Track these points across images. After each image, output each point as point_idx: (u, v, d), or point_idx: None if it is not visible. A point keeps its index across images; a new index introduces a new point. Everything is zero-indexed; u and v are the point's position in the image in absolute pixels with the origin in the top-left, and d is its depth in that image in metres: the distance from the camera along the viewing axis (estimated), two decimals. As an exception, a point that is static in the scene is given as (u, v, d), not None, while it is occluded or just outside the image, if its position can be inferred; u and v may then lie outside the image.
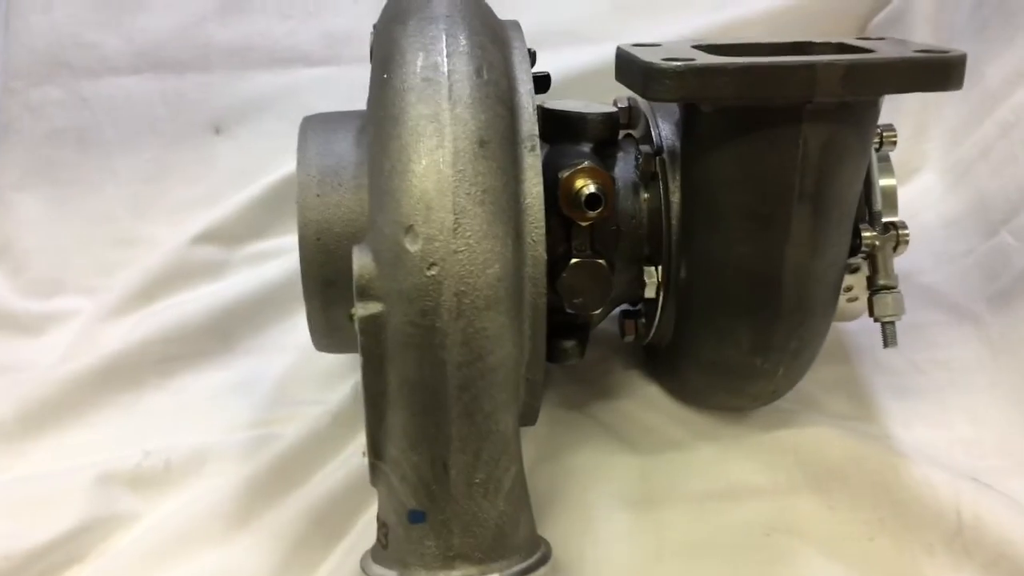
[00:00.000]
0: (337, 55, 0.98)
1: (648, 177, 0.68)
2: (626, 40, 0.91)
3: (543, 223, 0.59)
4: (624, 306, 0.76)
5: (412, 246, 0.54)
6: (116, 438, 0.78)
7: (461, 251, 0.55)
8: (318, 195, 0.64)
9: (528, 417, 0.66)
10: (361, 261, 0.57)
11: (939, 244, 0.88)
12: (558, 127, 0.70)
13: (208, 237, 0.92)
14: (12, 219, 0.95)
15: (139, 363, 0.84)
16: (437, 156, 0.55)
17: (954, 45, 0.93)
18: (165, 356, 0.85)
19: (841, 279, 0.65)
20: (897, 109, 0.95)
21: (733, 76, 0.53)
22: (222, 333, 0.87)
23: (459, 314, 0.55)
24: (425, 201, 0.54)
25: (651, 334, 0.72)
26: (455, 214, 0.54)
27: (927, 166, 0.94)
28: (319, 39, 0.97)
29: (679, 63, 0.54)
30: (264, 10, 0.98)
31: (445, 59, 0.57)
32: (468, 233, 0.55)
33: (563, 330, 0.72)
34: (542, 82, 0.68)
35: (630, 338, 0.74)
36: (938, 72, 0.55)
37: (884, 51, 0.56)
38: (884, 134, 0.67)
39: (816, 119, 0.56)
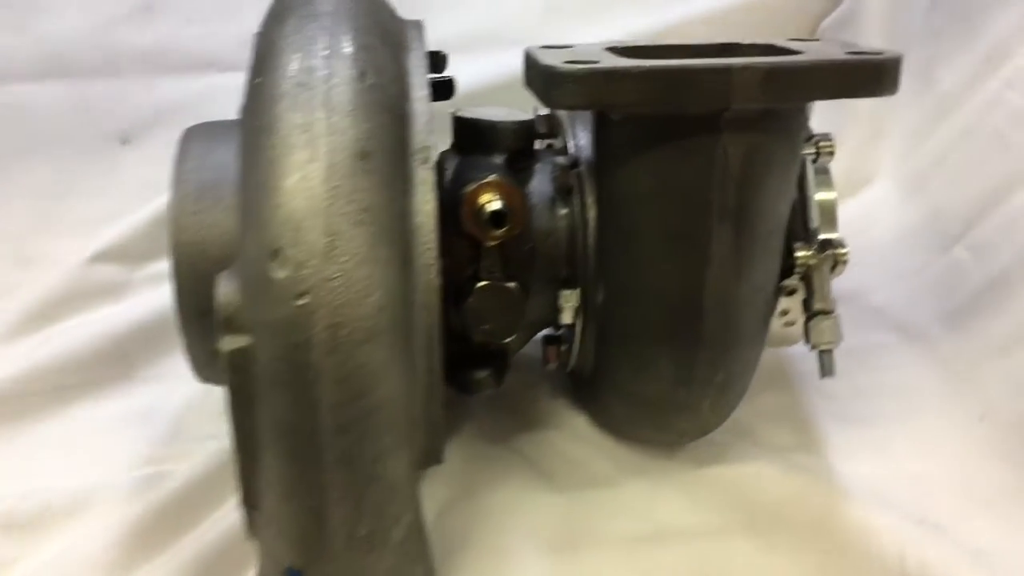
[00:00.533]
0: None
1: (565, 192, 0.62)
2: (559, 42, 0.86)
3: (435, 244, 0.53)
4: (548, 330, 0.70)
5: (279, 273, 0.48)
6: (-2, 475, 0.72)
7: (335, 278, 0.48)
8: (194, 213, 0.58)
9: (432, 457, 0.60)
10: (226, 289, 0.51)
11: (891, 260, 0.83)
12: (469, 137, 0.64)
13: (109, 255, 0.86)
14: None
15: (30, 392, 0.77)
16: (309, 170, 0.49)
17: (908, 47, 0.89)
18: (58, 385, 0.78)
19: (772, 304, 0.60)
20: (848, 114, 0.90)
21: (640, 81, 0.48)
22: (120, 360, 0.80)
23: (334, 349, 0.49)
24: (294, 222, 0.48)
25: (572, 362, 0.66)
26: (328, 236, 0.48)
27: (880, 175, 0.89)
28: (234, 43, 0.90)
29: (581, 67, 0.48)
30: (177, 13, 0.92)
31: (323, 61, 0.51)
32: (343, 257, 0.49)
33: (475, 358, 0.66)
34: (445, 87, 0.62)
35: (552, 366, 0.68)
36: (869, 76, 0.49)
37: (812, 53, 0.51)
38: (820, 144, 0.61)
39: (736, 128, 0.50)
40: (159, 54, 0.92)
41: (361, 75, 0.51)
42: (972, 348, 0.74)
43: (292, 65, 0.51)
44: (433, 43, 0.93)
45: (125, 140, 0.91)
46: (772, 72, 0.47)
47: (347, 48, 0.52)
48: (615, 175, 0.55)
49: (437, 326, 0.54)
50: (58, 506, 0.68)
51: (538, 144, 0.68)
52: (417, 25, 0.61)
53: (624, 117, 0.52)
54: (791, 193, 0.56)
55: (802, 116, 0.53)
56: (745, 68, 0.47)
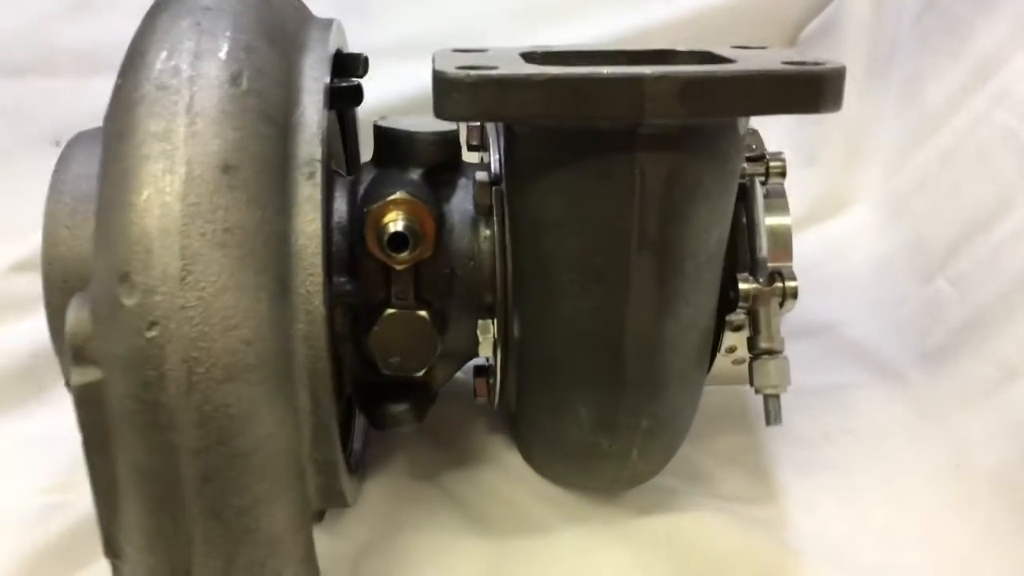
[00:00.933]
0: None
1: (486, 211, 0.56)
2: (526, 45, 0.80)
3: (319, 268, 0.47)
4: (481, 359, 0.64)
5: (128, 299, 0.43)
6: None
7: (191, 307, 0.43)
8: (68, 227, 0.53)
9: (333, 500, 0.54)
10: (77, 315, 0.45)
11: (869, 290, 0.77)
12: (387, 148, 0.58)
13: (30, 265, 0.81)
14: None
15: (-67, 411, 0.73)
16: (164, 184, 0.43)
17: (893, 58, 0.82)
18: (-35, 403, 0.74)
19: (709, 340, 0.53)
20: (825, 129, 0.83)
21: (538, 90, 0.41)
22: (33, 378, 0.75)
23: (190, 387, 0.43)
24: (145, 243, 0.43)
25: (496, 398, 0.59)
26: (183, 259, 0.43)
27: (860, 197, 0.82)
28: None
29: (471, 73, 0.42)
30: (115, 9, 0.87)
31: (191, 61, 0.45)
32: (201, 284, 0.43)
33: (393, 390, 0.60)
34: (351, 94, 0.56)
35: (482, 400, 0.62)
36: (805, 90, 0.43)
37: (743, 63, 0.44)
38: (771, 164, 0.55)
39: (654, 146, 0.44)
40: (96, 54, 0.86)
41: (234, 78, 0.45)
42: (950, 391, 0.68)
43: (156, 65, 0.45)
44: (378, 50, 0.88)
45: (59, 142, 0.86)
46: (691, 83, 0.41)
47: (222, 47, 0.46)
48: (523, 196, 0.49)
49: (324, 360, 0.48)
50: (-52, 536, 0.63)
51: (475, 156, 0.63)
52: (326, 25, 0.55)
53: (528, 131, 0.46)
54: (725, 220, 0.49)
55: (734, 133, 0.46)
56: (660, 78, 0.41)
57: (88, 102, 0.86)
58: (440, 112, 0.43)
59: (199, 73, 0.45)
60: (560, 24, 0.88)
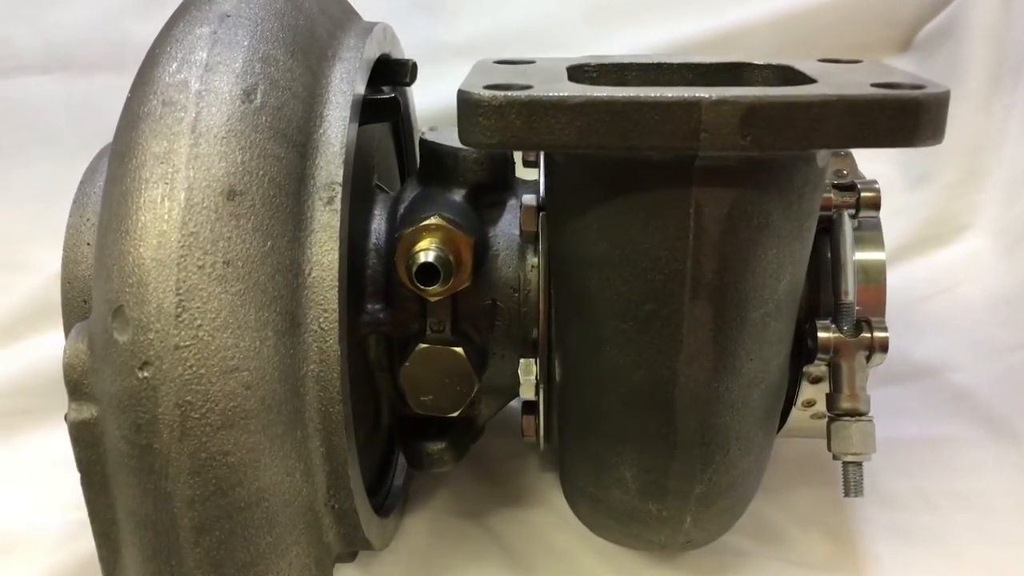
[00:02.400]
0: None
1: (532, 239, 0.50)
2: (599, 51, 0.74)
3: (335, 304, 0.42)
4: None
5: (121, 335, 0.39)
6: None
7: (186, 346, 0.39)
8: (89, 244, 0.50)
9: (357, 544, 0.50)
10: (75, 347, 0.42)
11: (981, 331, 0.68)
12: (431, 165, 0.54)
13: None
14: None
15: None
16: (161, 211, 0.39)
17: (1022, 68, 0.72)
18: (10, 410, 0.74)
19: (779, 397, 0.47)
20: (939, 147, 0.73)
21: (576, 116, 0.36)
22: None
23: (184, 433, 0.40)
24: (139, 275, 0.39)
25: (542, 442, 0.54)
26: (178, 295, 0.39)
27: (977, 224, 0.73)
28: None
29: (499, 94, 0.36)
30: (187, 4, 0.85)
31: (200, 75, 0.41)
32: (198, 321, 0.39)
33: (430, 426, 0.56)
34: (386, 107, 0.51)
35: (530, 439, 0.57)
36: (897, 120, 0.35)
37: (823, 85, 0.37)
38: (863, 193, 0.47)
39: (712, 181, 0.37)
40: (166, 50, 0.85)
41: (247, 93, 0.41)
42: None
43: (164, 78, 0.41)
44: (460, 47, 0.83)
45: (125, 141, 0.85)
46: (755, 109, 0.34)
47: (237, 59, 0.42)
48: (563, 230, 0.43)
49: (338, 403, 0.43)
50: (-17, 548, 0.63)
51: (534, 173, 0.57)
52: (366, 30, 0.50)
53: (569, 159, 0.40)
54: (799, 263, 0.42)
55: (810, 166, 0.39)
56: (719, 103, 0.34)
57: None
58: (464, 138, 0.38)
59: (208, 88, 0.41)
60: (640, 25, 0.82)
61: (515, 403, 0.61)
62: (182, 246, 0.39)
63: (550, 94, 0.36)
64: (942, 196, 0.74)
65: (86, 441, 0.42)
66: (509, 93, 0.36)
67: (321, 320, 0.43)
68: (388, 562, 0.60)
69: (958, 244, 0.73)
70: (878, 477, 0.61)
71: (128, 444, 0.40)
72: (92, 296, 0.42)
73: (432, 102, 0.71)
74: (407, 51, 0.60)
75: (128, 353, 0.39)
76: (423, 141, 0.54)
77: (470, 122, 0.37)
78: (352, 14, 0.54)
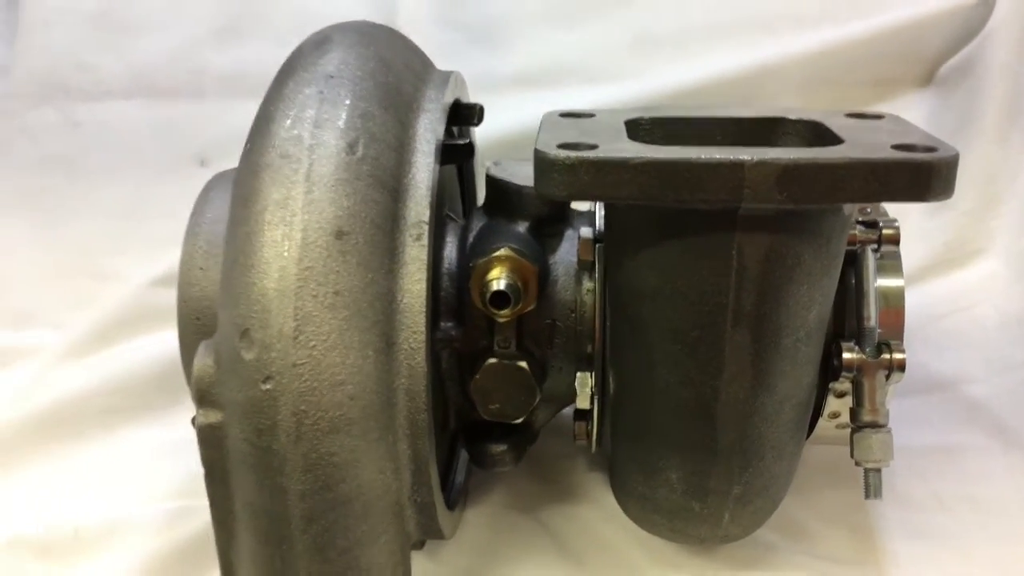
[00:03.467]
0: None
1: (588, 266, 0.57)
2: (642, 82, 0.80)
3: (422, 327, 0.49)
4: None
5: (247, 353, 0.46)
6: (41, 495, 0.74)
7: (302, 363, 0.46)
8: (202, 269, 0.58)
9: (431, 534, 0.57)
10: (203, 362, 0.49)
11: (995, 347, 0.73)
12: (497, 198, 0.60)
13: (172, 279, 0.86)
14: (-2, 245, 0.93)
15: (81, 413, 0.80)
16: (282, 249, 0.46)
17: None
18: (109, 408, 0.80)
19: (807, 411, 0.53)
20: (961, 177, 0.79)
21: (636, 173, 0.42)
22: (169, 387, 0.81)
23: (299, 437, 0.47)
24: (263, 303, 0.46)
25: (593, 446, 0.61)
26: (296, 320, 0.46)
27: (992, 248, 0.78)
28: (314, 68, 0.90)
29: (571, 154, 0.43)
30: (261, 37, 0.92)
31: (311, 131, 0.48)
32: (312, 342, 0.46)
33: (493, 430, 0.62)
34: (462, 151, 0.58)
35: (581, 443, 0.63)
36: (913, 179, 0.41)
37: (847, 146, 0.43)
38: (884, 231, 0.54)
39: (753, 227, 0.44)
40: (240, 78, 0.92)
41: (350, 146, 0.48)
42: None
43: (280, 133, 0.48)
44: (513, 76, 0.90)
45: (203, 162, 0.93)
46: (790, 170, 0.41)
47: (341, 116, 0.49)
48: (621, 265, 0.49)
49: (423, 412, 0.50)
50: (87, 535, 0.69)
51: (586, 205, 0.64)
52: (443, 80, 0.57)
53: (629, 207, 0.47)
54: (827, 297, 0.49)
55: (837, 216, 0.45)
56: (759, 164, 0.41)
57: (232, 124, 0.91)
58: (541, 189, 0.45)
59: (319, 142, 0.48)
60: (680, 58, 0.87)
61: (567, 410, 0.68)
62: (299, 279, 0.46)
63: (614, 155, 0.43)
64: (960, 222, 0.80)
65: (211, 442, 0.49)
66: (580, 154, 0.43)
67: (411, 340, 0.49)
68: (452, 552, 0.66)
69: (974, 267, 0.78)
70: (897, 481, 0.67)
71: (250, 445, 0.47)
72: (218, 317, 0.48)
73: (489, 130, 0.77)
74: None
75: (253, 368, 0.46)
76: (489, 177, 0.60)
77: (546, 177, 0.44)
78: (429, 65, 0.60)
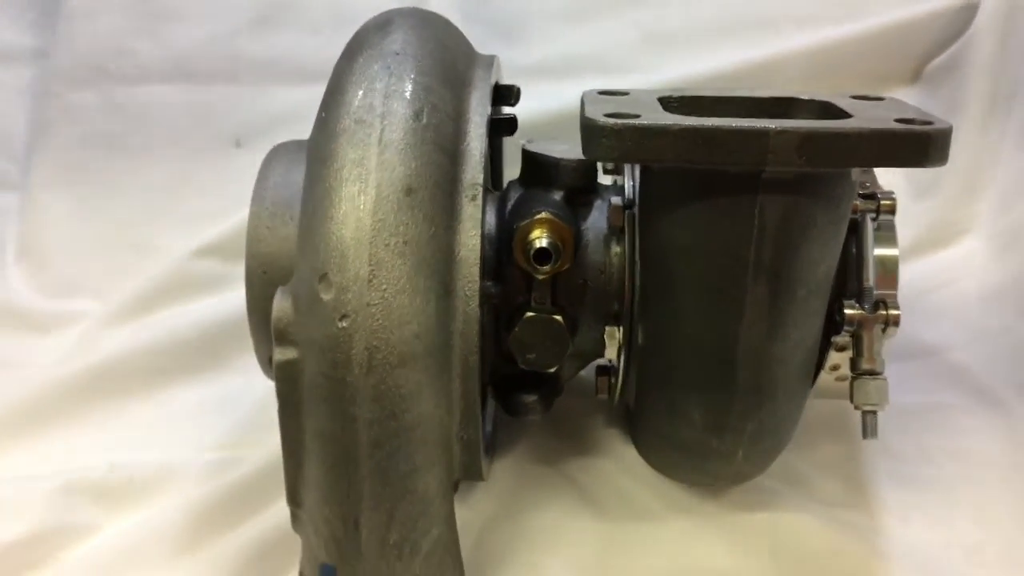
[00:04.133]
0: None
1: (618, 231, 0.63)
2: (654, 75, 0.86)
3: (476, 277, 0.55)
4: (602, 360, 0.72)
5: (325, 295, 0.52)
6: (92, 445, 0.79)
7: (375, 304, 0.52)
8: (268, 228, 0.63)
9: (471, 475, 0.62)
10: (281, 304, 0.55)
11: (975, 318, 0.81)
12: (533, 171, 0.66)
13: (211, 250, 0.93)
14: (40, 218, 0.98)
15: (129, 373, 0.85)
16: (358, 203, 0.52)
17: (1014, 98, 0.85)
18: (155, 368, 0.86)
19: (813, 358, 0.59)
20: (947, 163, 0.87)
21: (675, 138, 0.48)
22: (212, 349, 0.87)
23: (370, 369, 0.52)
24: (341, 249, 0.52)
25: (617, 396, 0.67)
26: (371, 265, 0.52)
27: (973, 230, 0.86)
28: (345, 57, 0.96)
29: (617, 121, 0.49)
30: (295, 25, 0.98)
31: (382, 100, 0.54)
32: (384, 286, 0.52)
33: (525, 382, 0.68)
34: (507, 125, 0.64)
35: (602, 397, 0.70)
36: (913, 147, 0.48)
37: (857, 119, 0.50)
38: (883, 202, 0.60)
39: (774, 189, 0.50)
40: (275, 64, 0.98)
41: (416, 114, 0.54)
42: (1046, 419, 0.71)
43: (354, 102, 0.54)
44: (533, 68, 0.96)
45: (238, 143, 0.98)
46: (809, 137, 0.47)
47: (407, 88, 0.55)
48: (655, 224, 0.56)
49: (475, 354, 0.56)
50: (140, 480, 0.75)
51: (608, 179, 0.70)
52: (488, 63, 0.64)
53: (664, 170, 0.53)
54: (834, 254, 0.55)
55: (847, 180, 0.52)
56: (782, 132, 0.47)
57: (266, 108, 0.99)
58: (588, 153, 0.51)
59: (389, 110, 0.54)
60: (689, 52, 0.94)
61: (584, 376, 0.74)
62: (373, 229, 0.52)
63: (657, 122, 0.49)
64: (944, 206, 0.87)
65: (287, 377, 0.55)
66: (626, 121, 0.49)
67: (466, 289, 0.55)
68: (482, 497, 0.72)
69: (957, 246, 0.86)
70: (886, 435, 0.73)
71: (325, 378, 0.53)
72: (295, 267, 0.54)
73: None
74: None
75: (331, 308, 0.52)
76: (526, 151, 0.67)
77: (595, 142, 0.50)
78: (473, 50, 0.66)
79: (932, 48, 0.90)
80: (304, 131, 0.93)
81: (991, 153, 0.86)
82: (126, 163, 0.99)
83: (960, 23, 0.89)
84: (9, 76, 1.03)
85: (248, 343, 0.87)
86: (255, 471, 0.74)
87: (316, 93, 0.97)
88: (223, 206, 0.95)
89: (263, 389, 0.83)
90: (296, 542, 0.67)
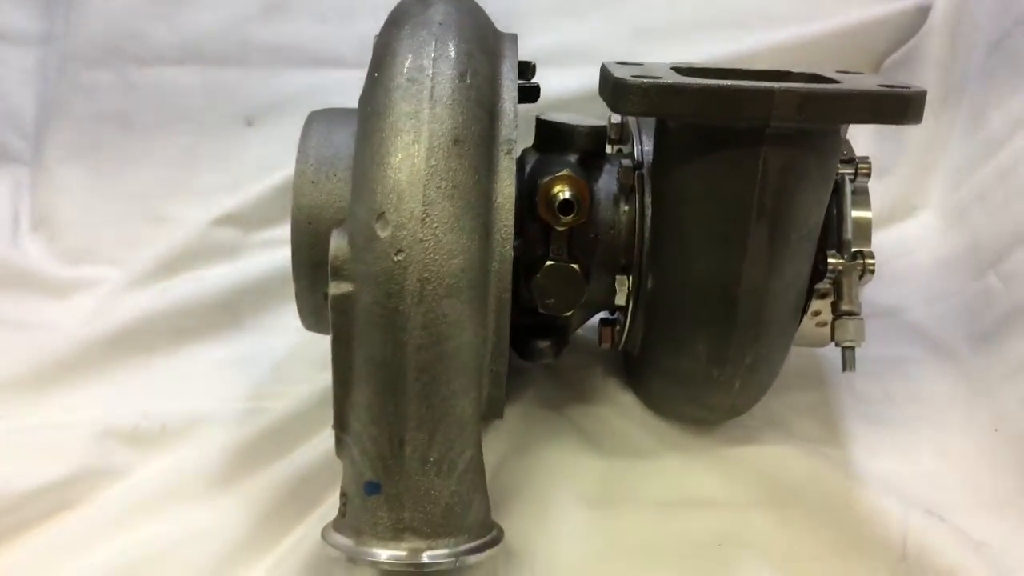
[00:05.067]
0: (368, 58, 1.02)
1: (627, 190, 0.71)
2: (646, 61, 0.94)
3: (512, 222, 0.62)
4: (603, 314, 0.79)
5: (383, 232, 0.58)
6: (121, 399, 0.83)
7: (427, 240, 0.58)
8: (313, 182, 0.69)
9: (494, 409, 0.69)
10: (337, 243, 0.61)
11: (930, 282, 0.90)
12: (549, 137, 0.74)
13: (228, 220, 0.98)
14: (55, 190, 1.03)
15: (153, 332, 0.89)
16: (413, 150, 0.58)
17: (964, 88, 0.96)
18: (178, 328, 0.90)
19: (801, 299, 0.67)
20: (902, 148, 0.97)
21: (694, 95, 0.56)
22: (232, 311, 0.92)
23: (421, 299, 0.58)
24: (397, 191, 0.58)
25: (623, 341, 0.74)
26: (424, 205, 0.58)
27: (928, 205, 0.96)
28: (352, 42, 1.02)
29: (645, 80, 0.57)
30: (303, 13, 1.04)
31: (431, 62, 0.61)
32: (435, 224, 0.58)
33: (539, 330, 0.75)
34: (532, 92, 0.72)
35: (606, 345, 0.77)
36: (895, 106, 0.57)
37: (847, 83, 0.59)
38: (859, 166, 0.69)
39: (776, 143, 0.58)
40: (284, 49, 1.03)
41: (461, 75, 0.61)
42: (993, 367, 0.81)
43: (406, 64, 0.61)
44: (531, 55, 1.03)
45: (250, 122, 1.04)
46: (809, 96, 0.56)
47: (452, 52, 0.62)
48: (669, 176, 0.64)
49: (508, 291, 0.63)
50: (173, 426, 0.80)
51: (609, 148, 0.78)
52: (512, 38, 0.71)
53: (680, 126, 0.61)
54: (823, 204, 0.64)
55: (836, 137, 0.61)
56: (786, 91, 0.56)
57: (276, 89, 1.05)
58: (617, 108, 0.59)
59: (438, 71, 0.60)
60: (674, 45, 1.02)
61: (583, 332, 0.82)
62: (427, 173, 0.58)
63: (679, 81, 0.57)
64: (901, 184, 0.97)
65: (341, 309, 0.60)
66: (652, 80, 0.57)
67: (502, 232, 0.62)
68: (494, 438, 0.77)
69: (913, 220, 0.96)
70: (855, 382, 0.83)
71: (380, 307, 0.58)
72: (349, 210, 0.60)
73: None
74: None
75: (388, 244, 0.58)
76: (541, 120, 0.74)
77: (624, 98, 0.58)
78: (496, 27, 0.74)
79: (890, 45, 1.00)
80: (311, 110, 0.99)
81: (942, 138, 0.96)
82: (140, 140, 1.03)
83: (915, 23, 0.99)
84: (20, 58, 1.07)
85: (265, 306, 0.94)
86: (281, 418, 0.79)
87: (323, 76, 1.05)
88: (236, 180, 1.01)
89: (281, 348, 0.90)
90: (325, 477, 0.74)
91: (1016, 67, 0.87)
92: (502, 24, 1.03)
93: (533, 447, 0.78)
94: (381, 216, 0.58)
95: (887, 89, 0.57)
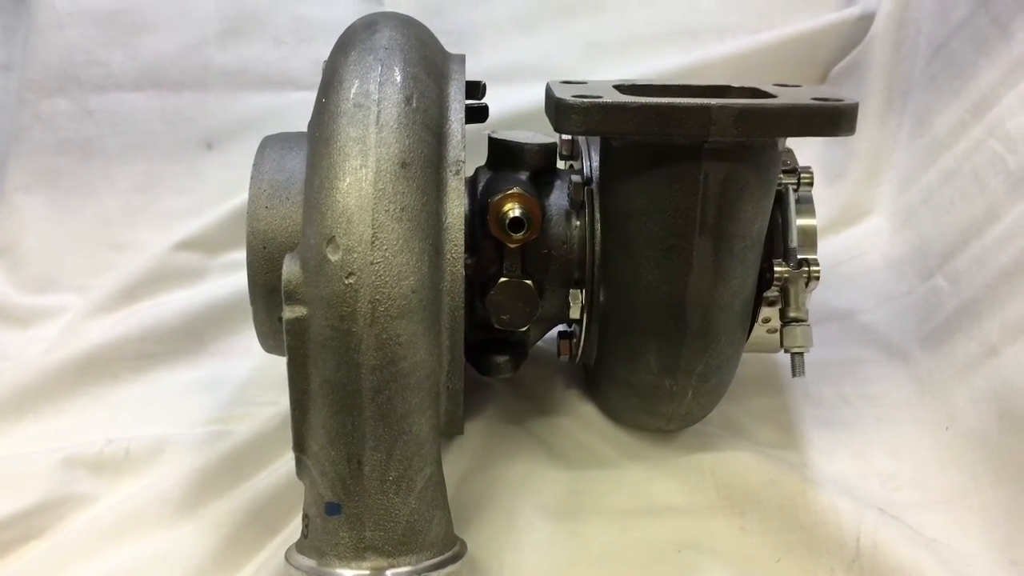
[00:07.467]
0: (323, 80, 1.04)
1: (578, 205, 0.72)
2: (596, 76, 0.96)
3: (462, 241, 0.63)
4: (561, 327, 0.80)
5: (333, 256, 0.59)
6: (86, 426, 0.84)
7: (377, 262, 0.59)
8: (267, 207, 0.70)
9: (453, 425, 0.70)
10: (290, 267, 0.62)
11: (881, 285, 0.92)
12: (500, 155, 0.75)
13: (190, 244, 0.99)
14: (16, 219, 1.03)
15: (116, 358, 0.90)
16: (360, 175, 0.60)
17: (908, 94, 0.98)
18: (141, 353, 0.91)
19: (749, 308, 0.69)
20: (851, 154, 0.99)
21: (634, 114, 0.58)
22: (195, 335, 0.92)
23: (373, 321, 0.59)
24: (347, 215, 0.59)
25: (580, 354, 0.76)
26: (373, 228, 0.59)
27: (877, 209, 0.98)
28: (309, 65, 1.03)
29: (585, 99, 0.58)
30: (260, 37, 1.05)
31: (377, 87, 0.62)
32: (385, 246, 0.59)
33: (497, 346, 0.76)
34: (480, 113, 0.73)
35: (564, 358, 0.78)
36: (828, 119, 0.59)
37: (783, 98, 0.61)
38: (802, 175, 0.71)
39: (715, 157, 0.60)
40: (242, 72, 1.04)
41: (407, 99, 0.62)
42: (943, 367, 0.83)
43: (352, 89, 0.62)
44: (485, 72, 1.05)
45: (210, 146, 1.04)
46: (744, 111, 0.57)
47: (397, 77, 0.63)
48: (615, 192, 0.65)
49: (461, 309, 0.64)
50: (137, 452, 0.80)
51: (562, 164, 0.79)
52: (460, 59, 0.72)
53: (623, 143, 0.63)
54: (765, 214, 0.65)
55: (774, 150, 0.62)
56: (722, 107, 0.57)
57: (235, 113, 1.06)
58: (559, 128, 0.60)
59: (384, 96, 0.61)
60: (624, 61, 1.04)
61: (542, 344, 0.83)
62: (375, 197, 0.59)
63: (618, 100, 0.58)
64: (851, 189, 0.99)
65: (295, 332, 0.61)
66: (593, 100, 0.58)
67: (453, 251, 0.63)
68: (456, 453, 0.79)
69: (862, 224, 0.97)
70: (810, 386, 0.84)
71: (332, 330, 0.59)
72: (303, 234, 0.61)
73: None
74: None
75: (339, 267, 0.59)
76: (494, 139, 0.75)
77: (566, 117, 0.59)
78: (445, 49, 0.75)
79: (836, 53, 1.02)
80: (271, 132, 1.00)
81: (889, 143, 0.98)
82: (100, 166, 1.04)
83: (859, 32, 1.01)
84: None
85: (228, 329, 0.95)
86: (245, 440, 0.80)
87: (282, 98, 1.06)
88: (197, 204, 1.01)
89: (244, 371, 0.91)
90: (289, 499, 0.75)
91: (957, 72, 0.90)
92: (455, 41, 1.05)
93: (496, 461, 0.79)
94: (332, 240, 0.59)
95: (820, 103, 0.59)
